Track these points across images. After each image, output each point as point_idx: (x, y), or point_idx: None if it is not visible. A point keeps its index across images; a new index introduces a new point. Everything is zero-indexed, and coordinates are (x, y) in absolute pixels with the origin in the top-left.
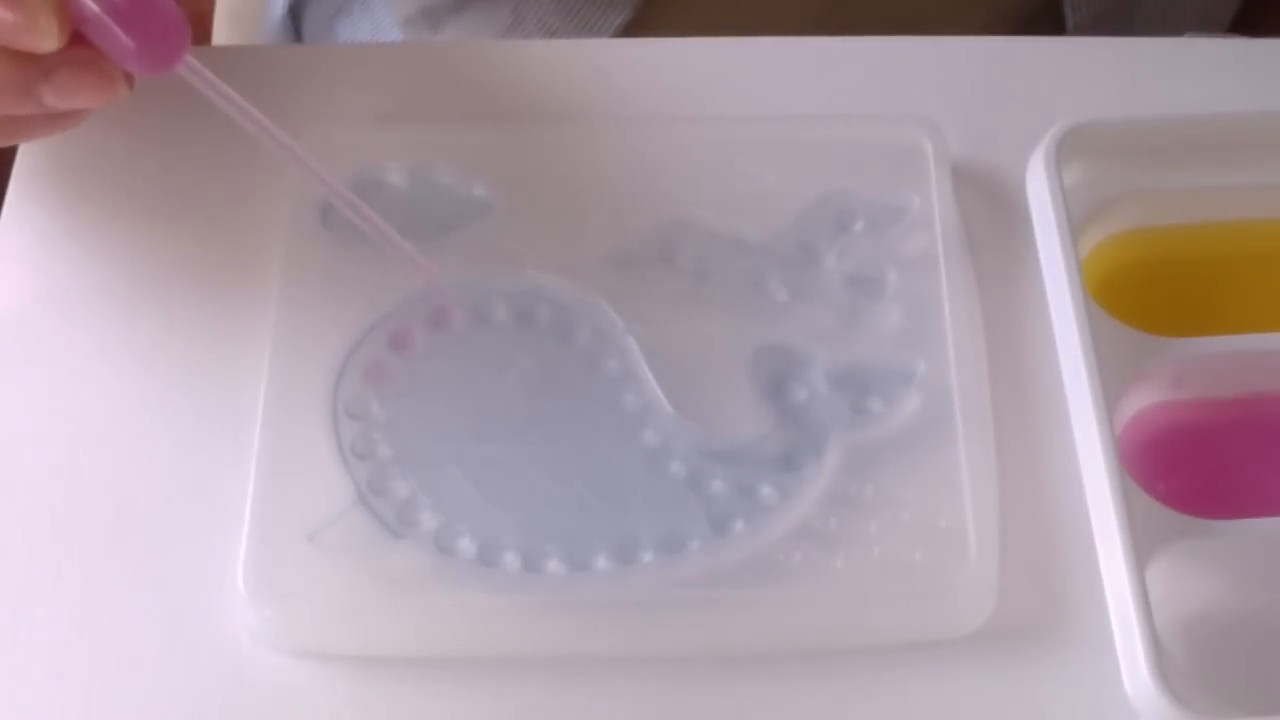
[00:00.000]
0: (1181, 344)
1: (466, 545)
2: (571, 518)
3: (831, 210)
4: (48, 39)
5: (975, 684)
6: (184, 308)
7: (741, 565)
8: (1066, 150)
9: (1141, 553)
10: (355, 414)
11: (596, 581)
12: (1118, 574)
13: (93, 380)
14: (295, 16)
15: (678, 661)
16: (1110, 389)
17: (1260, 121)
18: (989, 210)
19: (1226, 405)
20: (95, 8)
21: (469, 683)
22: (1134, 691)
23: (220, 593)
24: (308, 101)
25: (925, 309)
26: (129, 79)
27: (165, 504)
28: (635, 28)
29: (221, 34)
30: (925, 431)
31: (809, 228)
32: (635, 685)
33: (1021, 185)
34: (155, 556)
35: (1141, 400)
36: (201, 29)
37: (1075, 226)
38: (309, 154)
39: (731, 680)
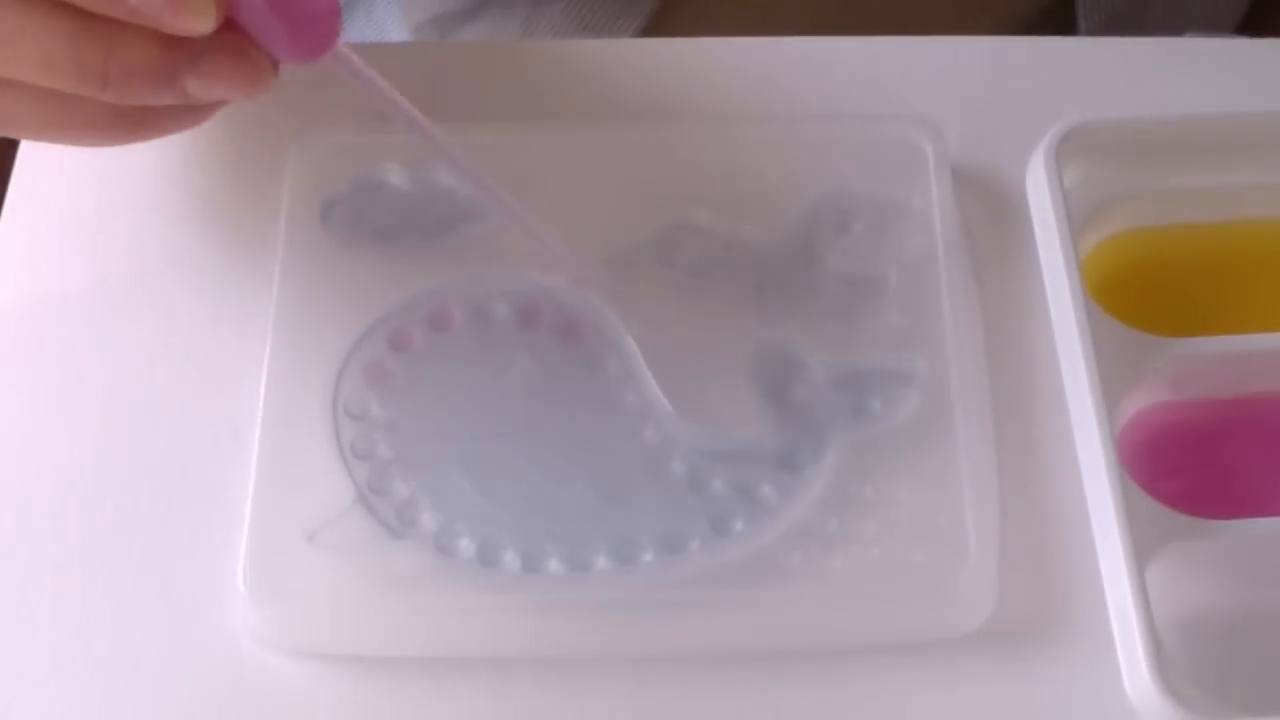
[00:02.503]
0: (1181, 344)
1: (466, 545)
2: (571, 518)
3: (831, 210)
4: (203, 19)
5: (975, 684)
6: (184, 308)
7: (741, 565)
8: (1066, 150)
9: (1141, 553)
10: (355, 414)
11: (596, 581)
12: (1118, 574)
13: (93, 380)
14: None
15: (678, 661)
16: (1110, 389)
17: (1260, 121)
18: (989, 210)
19: (1226, 405)
20: None
21: (469, 683)
22: (1134, 691)
23: (220, 593)
24: (309, 101)
25: (925, 309)
26: (275, 67)
27: (165, 504)
28: (647, 35)
29: None
30: (925, 431)
31: (809, 228)
32: (635, 685)
33: (1021, 185)
34: (155, 556)
35: (1141, 400)
36: None
37: (1075, 226)
38: (462, 149)
39: (731, 680)
